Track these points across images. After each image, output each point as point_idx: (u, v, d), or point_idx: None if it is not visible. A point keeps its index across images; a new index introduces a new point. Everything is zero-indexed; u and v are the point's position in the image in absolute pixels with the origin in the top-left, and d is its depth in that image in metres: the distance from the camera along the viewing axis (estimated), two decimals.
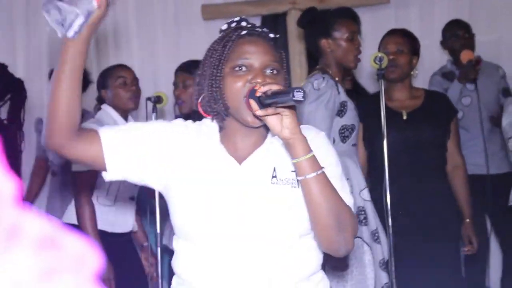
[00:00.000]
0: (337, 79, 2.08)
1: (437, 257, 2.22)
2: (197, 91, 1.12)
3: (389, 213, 2.05)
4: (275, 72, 1.05)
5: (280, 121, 0.97)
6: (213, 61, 1.06)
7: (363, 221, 2.06)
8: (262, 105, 0.96)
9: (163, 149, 1.05)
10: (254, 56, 1.04)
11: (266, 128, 1.07)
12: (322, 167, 1.00)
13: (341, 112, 2.09)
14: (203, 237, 1.05)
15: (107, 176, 1.04)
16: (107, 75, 2.34)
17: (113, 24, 3.15)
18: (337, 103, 2.06)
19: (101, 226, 2.06)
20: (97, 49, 3.12)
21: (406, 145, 2.28)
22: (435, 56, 3.10)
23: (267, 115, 0.97)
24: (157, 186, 1.12)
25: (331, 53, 2.09)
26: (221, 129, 1.12)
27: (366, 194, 2.11)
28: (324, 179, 1.01)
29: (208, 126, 1.12)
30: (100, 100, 2.30)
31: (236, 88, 1.02)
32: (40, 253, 0.32)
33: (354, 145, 2.18)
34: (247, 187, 1.06)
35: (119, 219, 2.21)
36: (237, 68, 1.04)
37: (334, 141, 2.08)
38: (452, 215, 2.30)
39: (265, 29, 1.13)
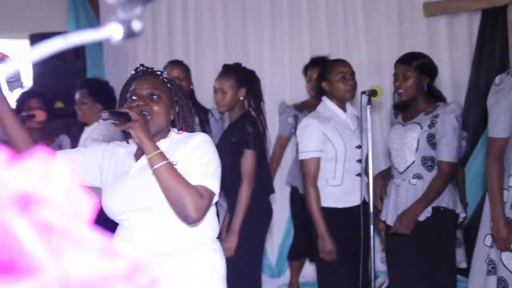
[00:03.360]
0: None
1: None
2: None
3: None
4: (155, 97, 1.57)
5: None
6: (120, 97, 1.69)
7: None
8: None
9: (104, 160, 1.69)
10: (140, 88, 1.60)
11: (164, 134, 1.60)
12: (167, 160, 1.45)
13: None
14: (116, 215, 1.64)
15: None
16: (328, 69, 2.87)
17: (343, 24, 3.94)
18: None
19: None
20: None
21: None
22: None
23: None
24: None
25: None
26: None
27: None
28: (168, 168, 1.45)
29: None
30: (320, 91, 2.92)
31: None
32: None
33: None
34: (138, 177, 1.58)
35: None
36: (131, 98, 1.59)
37: None
38: None
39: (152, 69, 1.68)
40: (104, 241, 0.38)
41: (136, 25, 0.49)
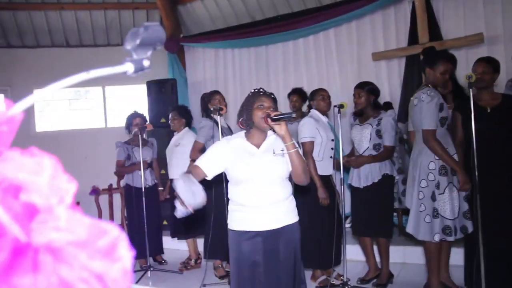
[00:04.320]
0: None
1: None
2: (238, 116, 2.27)
3: (476, 173, 2.80)
4: (273, 109, 2.13)
5: (279, 127, 2.02)
6: (247, 104, 2.20)
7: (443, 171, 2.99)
8: (272, 120, 2.03)
9: (226, 153, 2.19)
10: (265, 102, 2.15)
11: (265, 132, 2.17)
12: (297, 147, 2.06)
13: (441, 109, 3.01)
14: (246, 181, 2.13)
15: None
16: (315, 94, 3.56)
17: (326, 67, 5.92)
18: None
19: None
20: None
21: (490, 127, 2.98)
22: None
23: (274, 125, 2.03)
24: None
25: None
26: (246, 134, 2.22)
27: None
28: (297, 152, 2.07)
29: (240, 134, 2.26)
30: (310, 107, 3.77)
31: (260, 114, 2.12)
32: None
33: (447, 128, 3.07)
34: (263, 157, 2.15)
35: None
36: (260, 106, 2.14)
37: (437, 126, 3.00)
38: None
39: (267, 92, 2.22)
40: (75, 214, 0.39)
41: (146, 63, 0.58)
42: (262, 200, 2.12)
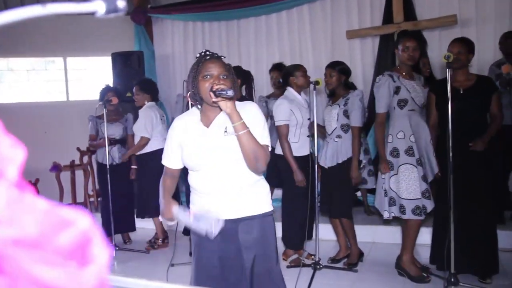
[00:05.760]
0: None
1: (477, 180, 3.04)
2: (186, 90, 1.93)
3: (451, 151, 2.84)
4: (225, 76, 1.76)
5: (224, 104, 1.68)
6: (192, 73, 1.80)
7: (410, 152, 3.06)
8: (216, 96, 1.68)
9: (179, 138, 1.91)
10: (213, 70, 1.76)
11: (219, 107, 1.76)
12: (247, 128, 1.69)
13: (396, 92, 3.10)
14: (196, 167, 1.84)
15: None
16: (294, 69, 3.49)
17: (298, 43, 5.79)
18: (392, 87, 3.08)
19: None
20: None
21: (462, 108, 3.00)
22: (486, 56, 4.79)
23: (218, 101, 1.69)
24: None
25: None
26: (200, 109, 1.87)
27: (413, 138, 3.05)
28: (248, 134, 1.70)
29: (194, 111, 1.90)
30: (285, 84, 3.50)
31: (206, 87, 1.75)
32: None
33: (410, 110, 3.09)
34: (213, 137, 1.82)
35: None
36: (204, 77, 1.76)
37: (394, 109, 3.10)
38: (491, 151, 3.09)
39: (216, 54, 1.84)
40: (23, 195, 0.30)
41: (121, 3, 0.47)
42: (215, 187, 1.83)
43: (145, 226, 4.91)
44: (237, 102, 1.80)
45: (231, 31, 6.26)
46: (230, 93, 1.63)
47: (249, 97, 3.67)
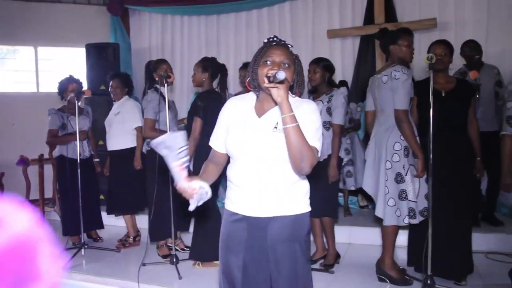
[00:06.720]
0: None
1: (462, 182, 3.02)
2: (247, 76, 1.75)
3: (431, 151, 2.81)
4: (287, 65, 1.63)
5: (276, 92, 1.52)
6: (254, 58, 1.70)
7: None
8: (269, 81, 1.53)
9: (227, 120, 1.78)
10: (275, 56, 1.65)
11: None
12: (297, 123, 1.52)
13: None
14: (236, 155, 1.70)
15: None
16: None
17: None
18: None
19: None
20: None
21: (443, 111, 3.00)
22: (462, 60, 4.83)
23: (270, 87, 1.53)
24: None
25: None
26: (258, 97, 1.75)
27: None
28: (297, 129, 1.53)
29: (251, 96, 1.79)
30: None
31: (262, 73, 1.62)
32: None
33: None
34: (261, 130, 1.68)
35: None
36: (265, 62, 1.64)
37: None
38: (470, 155, 3.12)
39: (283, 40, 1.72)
40: None
41: None
42: (249, 181, 1.70)
43: (116, 224, 4.74)
44: (295, 99, 1.69)
45: (210, 26, 6.15)
46: (281, 75, 1.48)
47: (221, 91, 3.61)
